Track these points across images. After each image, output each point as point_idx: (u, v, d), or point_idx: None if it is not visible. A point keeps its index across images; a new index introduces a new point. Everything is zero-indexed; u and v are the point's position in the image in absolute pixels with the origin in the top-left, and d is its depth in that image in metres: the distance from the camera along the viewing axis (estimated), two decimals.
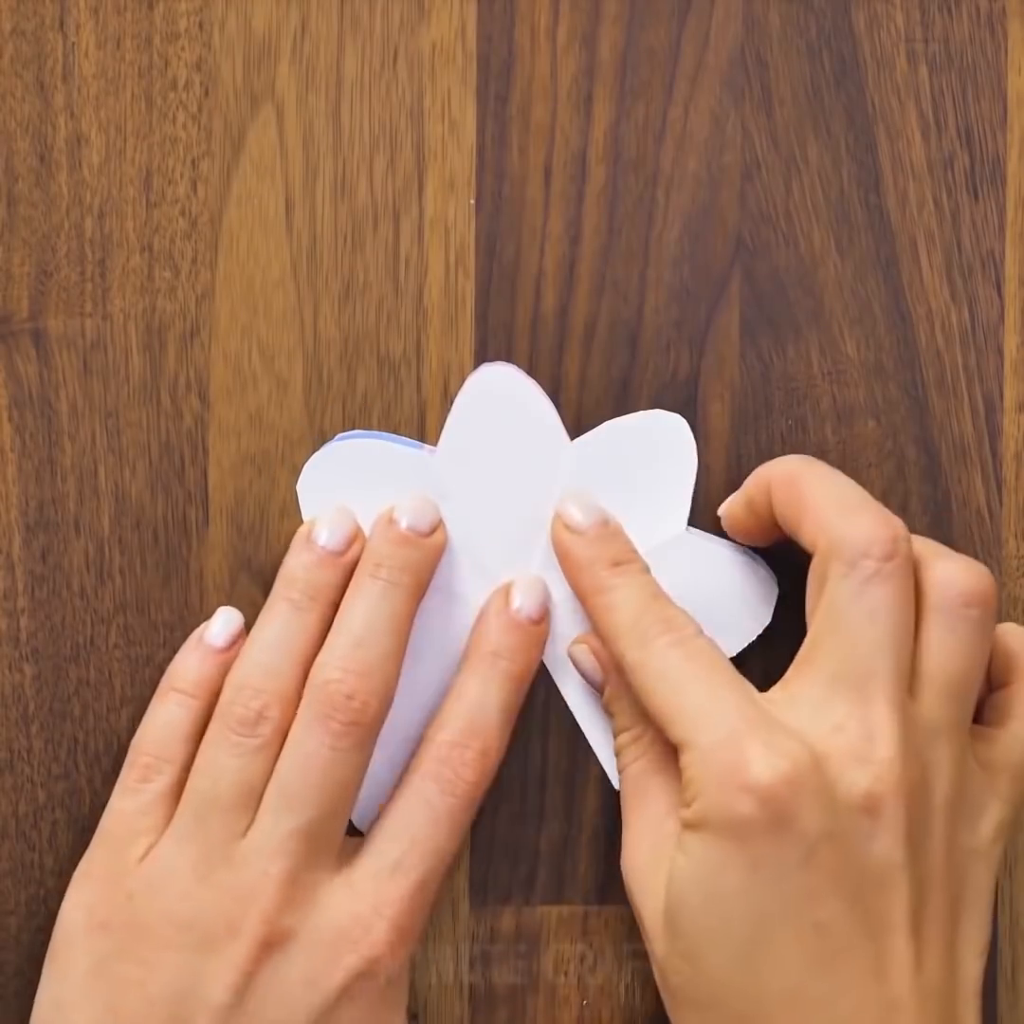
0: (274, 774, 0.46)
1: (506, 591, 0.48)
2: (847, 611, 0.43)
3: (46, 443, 0.49)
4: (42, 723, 0.49)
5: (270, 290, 0.49)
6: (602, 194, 0.49)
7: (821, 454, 0.49)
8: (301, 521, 0.49)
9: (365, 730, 0.46)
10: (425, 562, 0.47)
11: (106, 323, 0.49)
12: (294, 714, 0.46)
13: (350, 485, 0.48)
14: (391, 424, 0.49)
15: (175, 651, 0.49)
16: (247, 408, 0.49)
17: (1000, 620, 0.49)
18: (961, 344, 0.49)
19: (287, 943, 0.45)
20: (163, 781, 0.47)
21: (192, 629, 0.49)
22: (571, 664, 0.48)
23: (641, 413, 0.48)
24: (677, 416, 0.48)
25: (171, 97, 0.49)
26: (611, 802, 0.49)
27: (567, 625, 0.48)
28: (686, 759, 0.43)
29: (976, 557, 0.49)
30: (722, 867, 0.42)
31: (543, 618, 0.48)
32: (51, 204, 0.49)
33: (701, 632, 0.45)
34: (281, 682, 0.46)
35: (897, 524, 0.44)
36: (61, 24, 0.49)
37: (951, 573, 0.44)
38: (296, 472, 0.49)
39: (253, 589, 0.49)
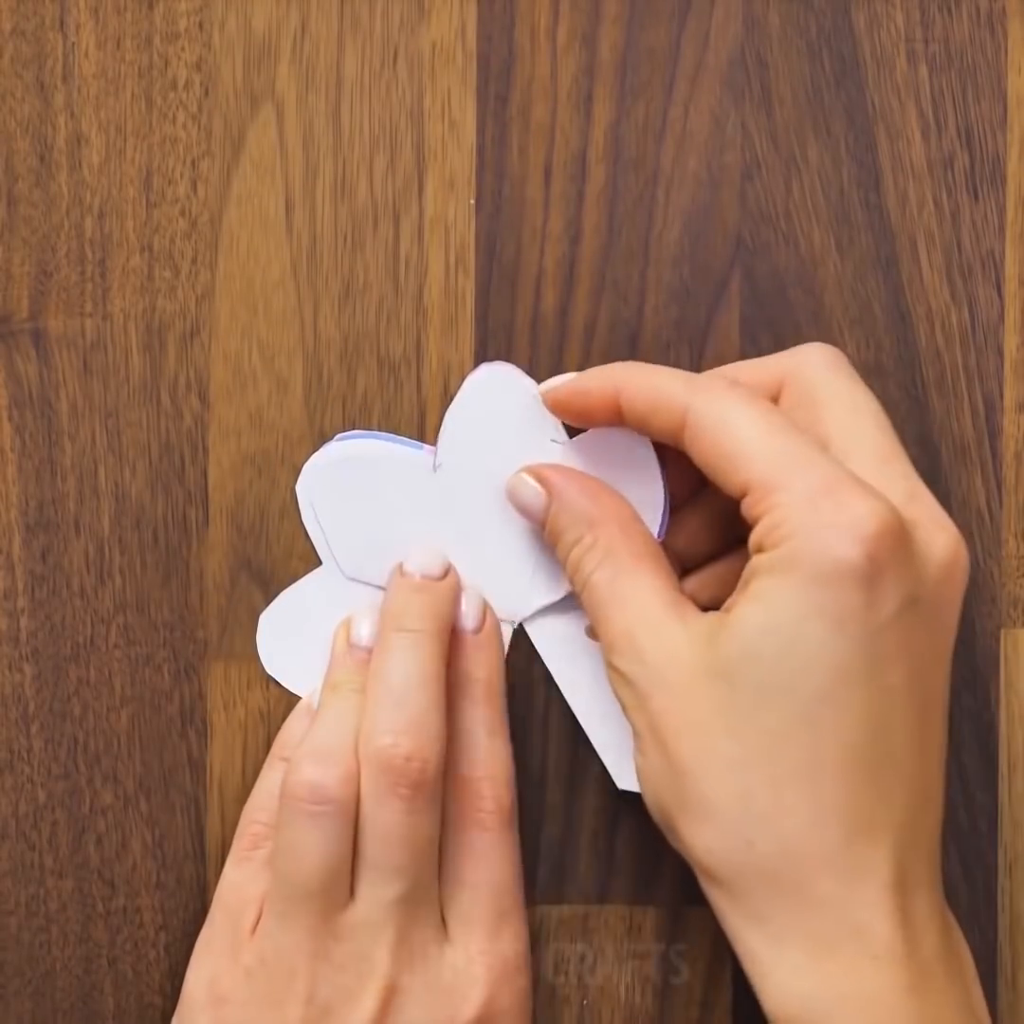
0: (359, 850, 0.46)
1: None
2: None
3: (46, 443, 0.49)
4: (42, 723, 0.49)
5: (270, 290, 0.49)
6: (602, 194, 0.49)
7: None
8: (301, 521, 0.49)
9: (431, 786, 0.46)
10: (444, 605, 0.47)
11: (106, 323, 0.49)
12: (359, 773, 0.46)
13: (350, 486, 0.48)
14: (391, 424, 0.49)
15: (175, 651, 0.49)
16: (247, 408, 0.49)
17: (999, 621, 0.49)
18: (961, 344, 0.49)
19: (404, 1002, 0.46)
20: (270, 847, 0.47)
21: (192, 629, 0.49)
22: (572, 663, 0.48)
23: None
24: None
25: (171, 97, 0.49)
26: (611, 802, 0.49)
27: (559, 625, 0.48)
28: (777, 499, 0.41)
29: (976, 557, 0.49)
30: (807, 615, 0.40)
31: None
32: (51, 204, 0.49)
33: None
34: (340, 753, 0.46)
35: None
36: (61, 24, 0.49)
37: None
38: (296, 472, 0.49)
39: (253, 589, 0.49)
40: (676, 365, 0.49)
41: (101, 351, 0.49)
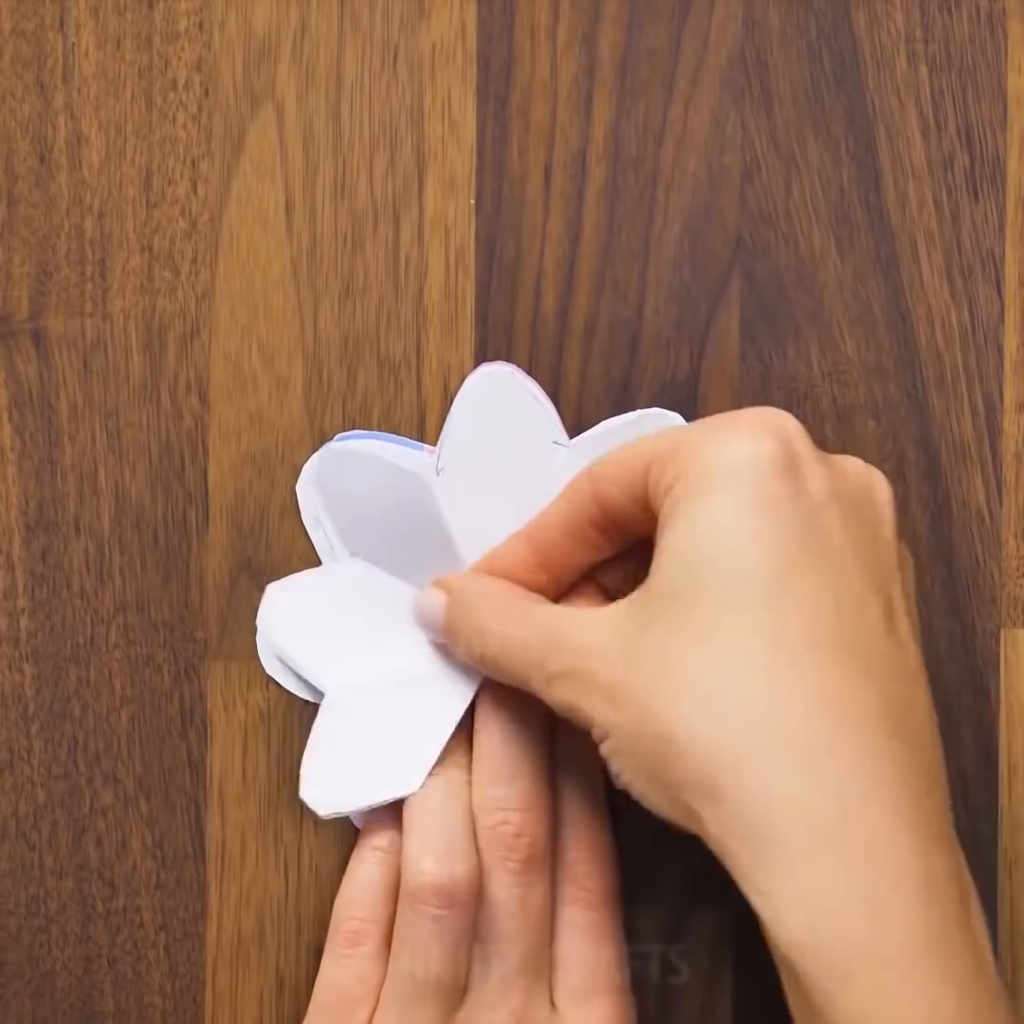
0: (475, 930, 0.46)
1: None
2: None
3: (46, 443, 0.49)
4: (42, 723, 0.49)
5: (270, 290, 0.49)
6: (602, 194, 0.49)
7: None
8: (301, 521, 0.49)
9: (541, 858, 0.46)
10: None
11: (106, 323, 0.49)
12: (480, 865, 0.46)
13: (350, 487, 0.48)
14: (391, 424, 0.49)
15: (175, 651, 0.49)
16: (247, 408, 0.49)
17: (999, 621, 0.49)
18: (961, 344, 0.49)
19: None
20: (372, 943, 0.47)
21: (192, 629, 0.49)
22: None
23: (639, 411, 0.48)
24: (674, 414, 0.48)
25: (171, 97, 0.49)
26: (611, 802, 0.49)
27: None
28: (679, 449, 0.42)
29: (976, 557, 0.49)
30: (736, 510, 0.40)
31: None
32: (51, 204, 0.49)
33: None
34: (461, 850, 0.45)
35: None
36: (61, 24, 0.49)
37: None
38: (296, 472, 0.49)
39: (253, 589, 0.49)
40: (676, 365, 0.49)
41: (101, 351, 0.49)
